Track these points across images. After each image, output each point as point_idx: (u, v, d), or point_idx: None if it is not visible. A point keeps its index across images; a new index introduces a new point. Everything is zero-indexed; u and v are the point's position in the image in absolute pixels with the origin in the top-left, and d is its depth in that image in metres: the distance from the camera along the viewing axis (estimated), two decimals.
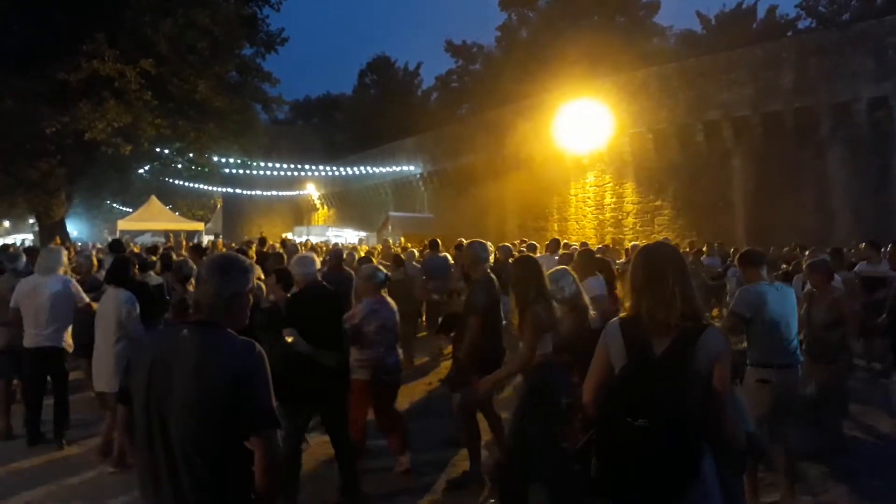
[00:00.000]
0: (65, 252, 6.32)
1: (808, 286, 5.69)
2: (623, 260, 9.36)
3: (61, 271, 5.87)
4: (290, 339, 4.21)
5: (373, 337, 4.89)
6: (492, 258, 5.40)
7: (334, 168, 35.44)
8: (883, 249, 8.01)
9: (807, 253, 9.67)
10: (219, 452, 1.93)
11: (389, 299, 5.17)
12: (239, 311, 2.11)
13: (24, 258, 6.87)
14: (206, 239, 27.84)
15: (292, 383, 3.91)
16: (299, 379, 4.06)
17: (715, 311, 10.85)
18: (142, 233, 30.00)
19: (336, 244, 17.91)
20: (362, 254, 12.21)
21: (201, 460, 1.92)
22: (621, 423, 2.17)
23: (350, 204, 39.83)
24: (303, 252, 6.63)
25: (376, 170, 33.69)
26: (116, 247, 9.30)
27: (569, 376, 3.97)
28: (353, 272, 7.60)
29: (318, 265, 4.89)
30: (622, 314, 2.41)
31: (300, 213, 45.50)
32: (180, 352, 1.96)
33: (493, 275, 4.88)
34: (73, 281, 5.98)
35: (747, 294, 4.35)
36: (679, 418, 2.12)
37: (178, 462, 1.93)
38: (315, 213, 44.70)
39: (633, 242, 14.54)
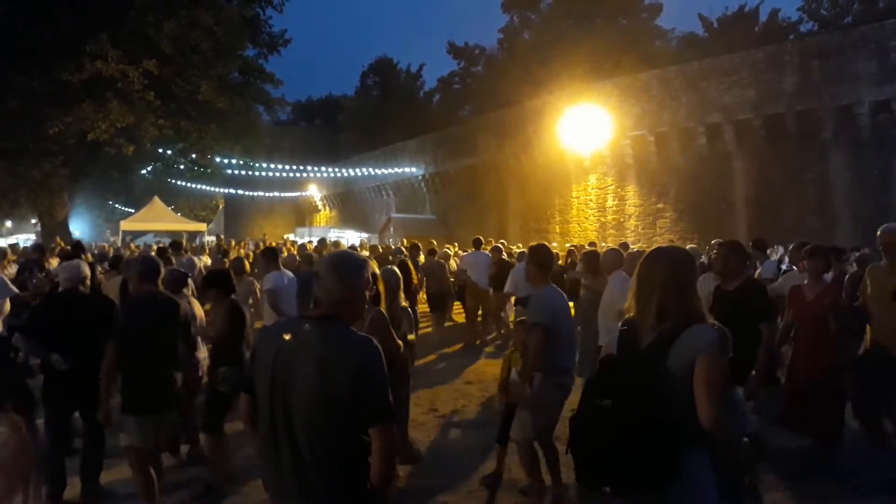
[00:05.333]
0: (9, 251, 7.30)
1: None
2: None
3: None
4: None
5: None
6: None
7: (336, 169, 35.49)
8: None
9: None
10: (340, 443, 2.04)
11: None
12: (355, 307, 2.23)
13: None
14: (209, 239, 27.89)
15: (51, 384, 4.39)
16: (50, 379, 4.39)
17: None
18: (144, 233, 30.10)
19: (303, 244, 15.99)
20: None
21: (324, 451, 2.03)
22: (590, 404, 2.26)
23: (352, 205, 39.84)
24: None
25: (378, 171, 33.71)
26: (77, 248, 9.61)
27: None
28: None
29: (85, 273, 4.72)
30: (628, 316, 2.45)
31: (302, 215, 45.52)
32: (304, 345, 2.08)
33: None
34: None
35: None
36: (645, 406, 2.13)
37: (301, 451, 2.05)
38: (317, 215, 44.73)
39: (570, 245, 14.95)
